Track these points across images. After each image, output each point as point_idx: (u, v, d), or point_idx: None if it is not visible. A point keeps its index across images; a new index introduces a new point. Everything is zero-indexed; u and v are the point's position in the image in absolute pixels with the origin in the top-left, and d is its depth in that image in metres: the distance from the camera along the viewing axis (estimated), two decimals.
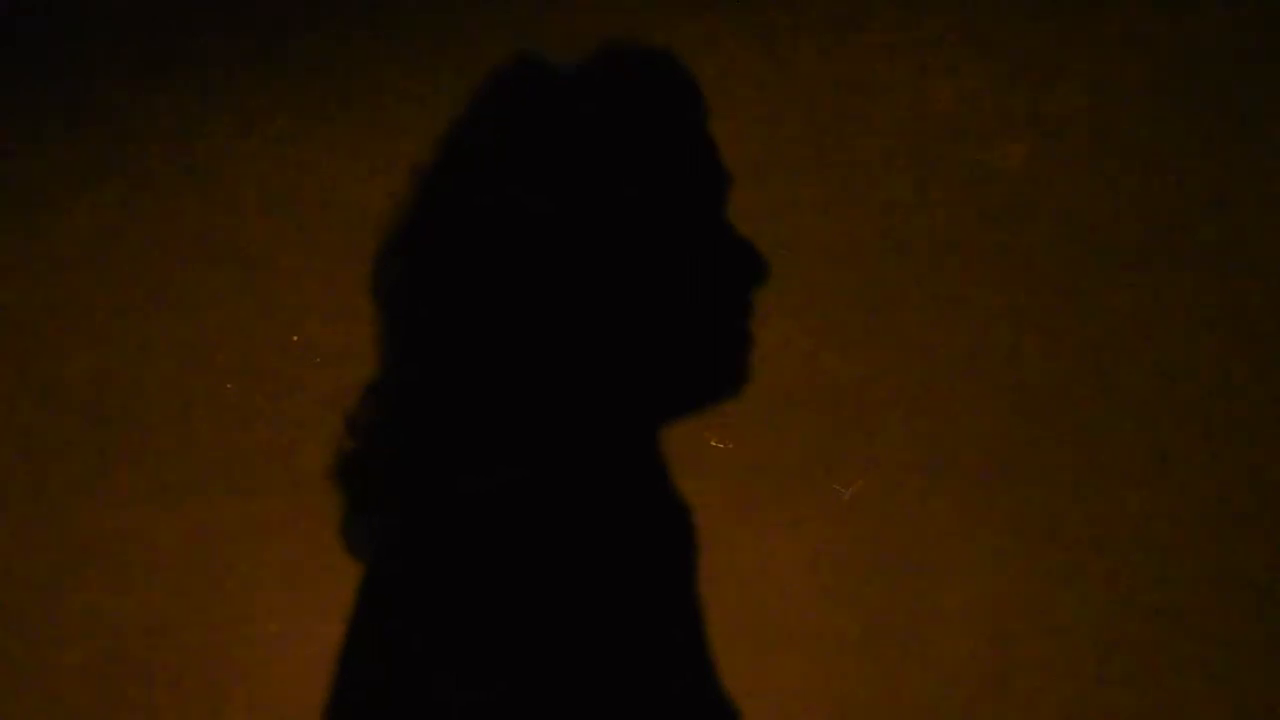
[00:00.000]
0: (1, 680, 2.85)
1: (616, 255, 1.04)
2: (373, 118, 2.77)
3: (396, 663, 0.95)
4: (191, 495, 2.78)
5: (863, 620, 2.35)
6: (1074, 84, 2.36)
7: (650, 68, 1.11)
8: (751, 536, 2.38)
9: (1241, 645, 2.18)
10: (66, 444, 2.90)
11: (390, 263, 1.09)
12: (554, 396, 1.02)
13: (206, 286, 2.85)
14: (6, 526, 2.90)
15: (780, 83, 2.51)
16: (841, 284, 2.43)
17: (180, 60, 2.93)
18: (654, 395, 1.07)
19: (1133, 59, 2.34)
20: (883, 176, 2.44)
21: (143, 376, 2.87)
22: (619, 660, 0.92)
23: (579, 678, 0.91)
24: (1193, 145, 2.29)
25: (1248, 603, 2.19)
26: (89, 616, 2.81)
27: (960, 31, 2.43)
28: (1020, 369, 2.34)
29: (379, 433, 1.06)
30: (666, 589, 0.99)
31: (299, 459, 2.62)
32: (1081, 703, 2.24)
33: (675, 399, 1.09)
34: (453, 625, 0.92)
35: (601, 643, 0.92)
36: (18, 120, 3.04)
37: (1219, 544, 2.21)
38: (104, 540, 2.82)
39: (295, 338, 2.77)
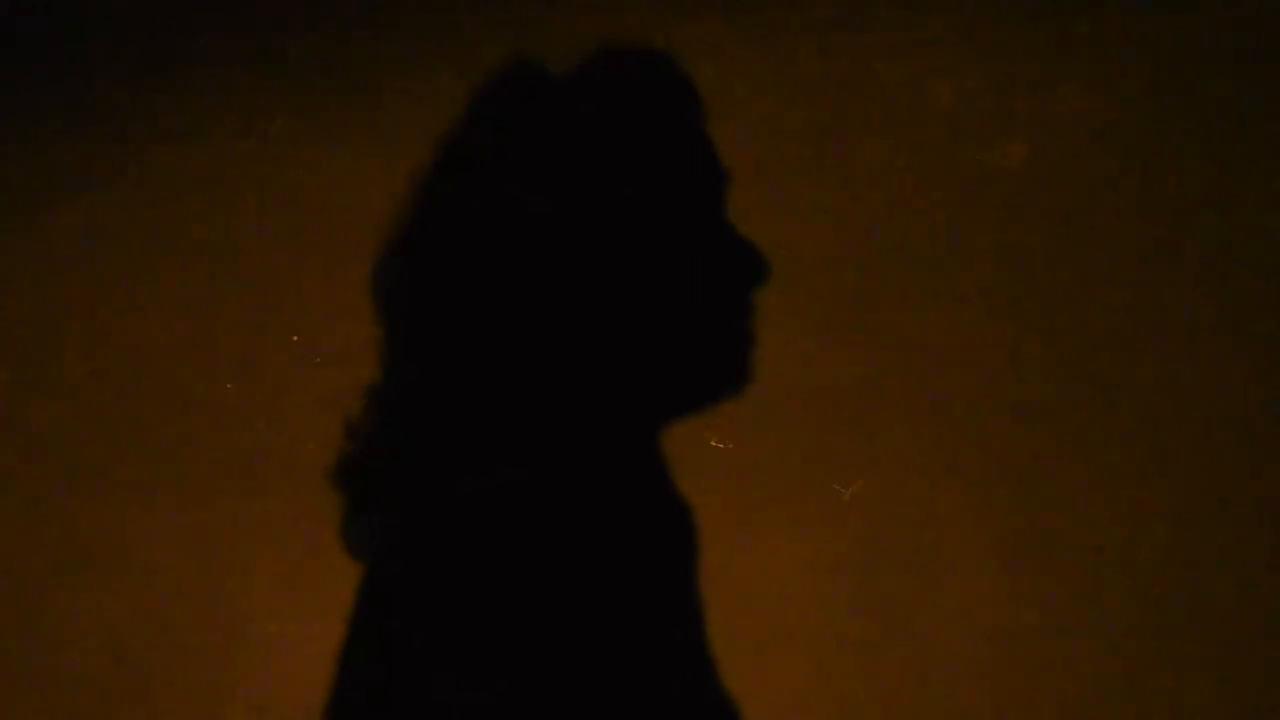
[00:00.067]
0: (1, 680, 2.85)
1: (616, 255, 1.04)
2: (373, 118, 2.77)
3: (396, 663, 0.95)
4: (191, 495, 2.78)
5: (863, 620, 2.35)
6: (1074, 84, 2.36)
7: (650, 68, 1.11)
8: (751, 536, 2.38)
9: (1242, 645, 2.18)
10: (66, 444, 2.90)
11: (390, 263, 1.09)
12: (554, 397, 1.02)
13: (206, 286, 2.85)
14: (6, 526, 2.90)
15: (780, 83, 2.51)
16: (841, 284, 2.43)
17: (180, 60, 2.93)
18: (654, 395, 1.07)
19: (1133, 59, 2.34)
20: (883, 176, 2.44)
21: (142, 376, 2.87)
22: (619, 660, 0.92)
23: (579, 678, 0.91)
24: (1193, 145, 2.30)
25: (1248, 602, 2.19)
26: (89, 616, 2.81)
27: (960, 31, 2.43)
28: (1020, 368, 2.34)
29: (379, 433, 1.06)
30: (667, 589, 0.99)
31: (299, 459, 2.61)
32: (1082, 702, 2.24)
33: (676, 399, 1.09)
34: (453, 625, 0.92)
35: (602, 643, 0.92)
36: (18, 120, 3.04)
37: (1219, 544, 2.21)
38: (104, 540, 2.82)
39: (295, 338, 2.77)
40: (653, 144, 1.08)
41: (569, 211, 1.03)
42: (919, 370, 2.38)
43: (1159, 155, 2.31)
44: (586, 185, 1.04)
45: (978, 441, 2.34)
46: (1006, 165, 2.38)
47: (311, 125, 2.83)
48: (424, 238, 1.08)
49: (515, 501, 0.95)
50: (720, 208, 1.12)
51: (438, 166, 1.10)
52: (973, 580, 2.31)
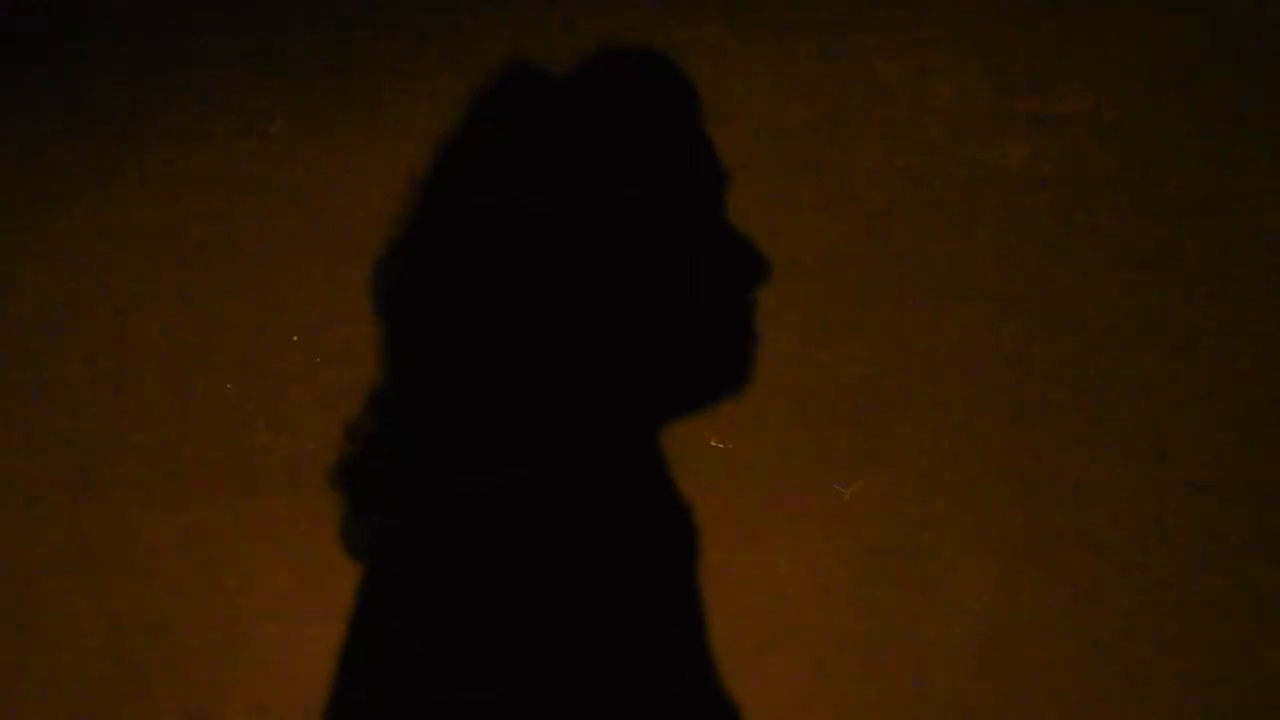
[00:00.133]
0: (1, 680, 2.85)
1: (616, 255, 1.04)
2: (373, 118, 2.77)
3: (396, 663, 0.95)
4: (191, 495, 2.78)
5: (863, 620, 2.35)
6: (1074, 84, 2.36)
7: (650, 68, 1.11)
8: (751, 536, 2.38)
9: (1242, 645, 2.18)
10: (66, 444, 2.90)
11: (390, 263, 1.09)
12: (554, 397, 1.02)
13: (206, 286, 2.85)
14: (6, 526, 2.90)
15: (780, 83, 2.51)
16: (841, 283, 2.43)
17: (180, 60, 2.93)
18: (655, 395, 1.07)
19: (1133, 59, 2.34)
20: (883, 176, 2.44)
21: (142, 376, 2.87)
22: (619, 660, 0.92)
23: (579, 678, 0.91)
24: (1193, 145, 2.29)
25: (1248, 602, 2.19)
26: (89, 616, 2.81)
27: (960, 31, 2.43)
28: (1020, 368, 2.34)
29: (379, 433, 1.06)
30: (667, 588, 0.99)
31: (299, 459, 2.62)
32: (1082, 702, 2.24)
33: (676, 399, 1.09)
34: (453, 625, 0.92)
35: (602, 643, 0.92)
36: (18, 120, 3.04)
37: (1219, 544, 2.21)
38: (104, 540, 2.82)
39: (295, 338, 2.77)
40: (653, 144, 1.08)
41: (569, 211, 1.03)
42: (919, 370, 2.38)
43: (1159, 155, 2.31)
44: (586, 185, 1.04)
45: (978, 441, 2.34)
46: (1006, 165, 2.38)
47: (311, 125, 2.83)
48: (424, 238, 1.08)
49: (515, 501, 0.95)
50: (720, 207, 1.12)
51: (438, 166, 1.10)
52: (973, 580, 2.31)
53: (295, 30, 2.86)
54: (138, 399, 2.86)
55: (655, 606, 0.96)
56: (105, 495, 2.84)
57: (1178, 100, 2.31)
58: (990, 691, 2.28)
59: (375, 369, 1.09)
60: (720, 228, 1.11)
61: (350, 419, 1.08)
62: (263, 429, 2.76)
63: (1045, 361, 2.33)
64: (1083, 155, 2.35)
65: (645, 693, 0.93)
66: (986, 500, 2.32)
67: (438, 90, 2.61)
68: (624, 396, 1.05)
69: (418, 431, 1.03)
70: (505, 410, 1.01)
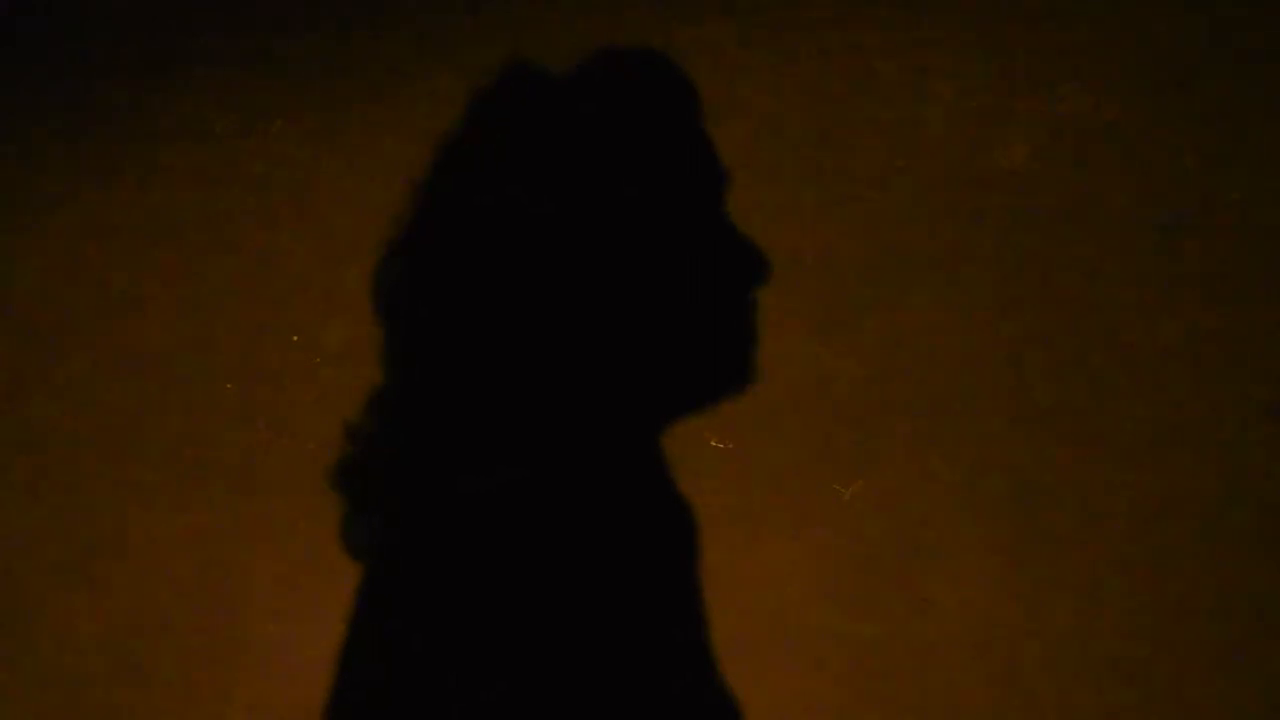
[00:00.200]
0: (2, 680, 2.85)
1: (617, 256, 1.04)
2: (373, 118, 2.77)
3: (396, 663, 0.95)
4: (191, 495, 2.78)
5: (863, 620, 2.35)
6: (1074, 84, 2.36)
7: (650, 68, 1.11)
8: (751, 536, 2.38)
9: (1241, 645, 2.18)
10: (66, 444, 2.90)
11: (390, 263, 1.10)
12: (554, 397, 1.02)
13: (207, 286, 2.85)
14: (6, 526, 2.90)
15: (780, 83, 2.51)
16: (841, 283, 2.43)
17: (180, 60, 2.93)
18: (655, 395, 1.07)
19: (1133, 59, 2.34)
20: (882, 176, 2.44)
21: (142, 376, 2.87)
22: (620, 660, 0.92)
23: (579, 677, 0.91)
24: (1193, 145, 2.30)
25: (1248, 603, 2.19)
26: (89, 616, 2.81)
27: (960, 31, 2.43)
28: (1020, 368, 2.34)
29: (379, 433, 1.06)
30: (667, 588, 0.99)
31: (299, 459, 2.62)
32: (1082, 702, 2.24)
33: (676, 399, 1.09)
34: (453, 625, 0.92)
35: (602, 642, 0.92)
36: (18, 120, 3.04)
37: (1219, 544, 2.21)
38: (104, 540, 2.82)
39: (295, 338, 2.77)
40: (653, 144, 1.08)
41: (569, 212, 1.03)
42: (919, 370, 2.38)
43: (1159, 155, 2.31)
44: (587, 185, 1.04)
45: (977, 441, 2.34)
46: (1006, 165, 2.38)
47: (311, 125, 2.83)
48: (424, 238, 1.08)
49: (515, 501, 0.95)
50: (720, 208, 1.12)
51: (438, 166, 1.10)
52: (973, 580, 2.31)
53: (295, 30, 2.86)
54: (137, 399, 2.86)
55: (655, 606, 0.96)
56: (105, 495, 2.84)
57: (1178, 100, 2.31)
58: (990, 691, 2.28)
59: (375, 369, 1.09)
60: (720, 228, 1.11)
61: (350, 419, 1.08)
62: (263, 429, 2.76)
63: (1045, 361, 2.33)
64: (1083, 155, 2.35)
65: (646, 692, 0.93)
66: (986, 500, 2.32)
67: (438, 90, 2.61)
68: (624, 396, 1.05)
69: (418, 431, 1.03)
70: (505, 410, 1.01)
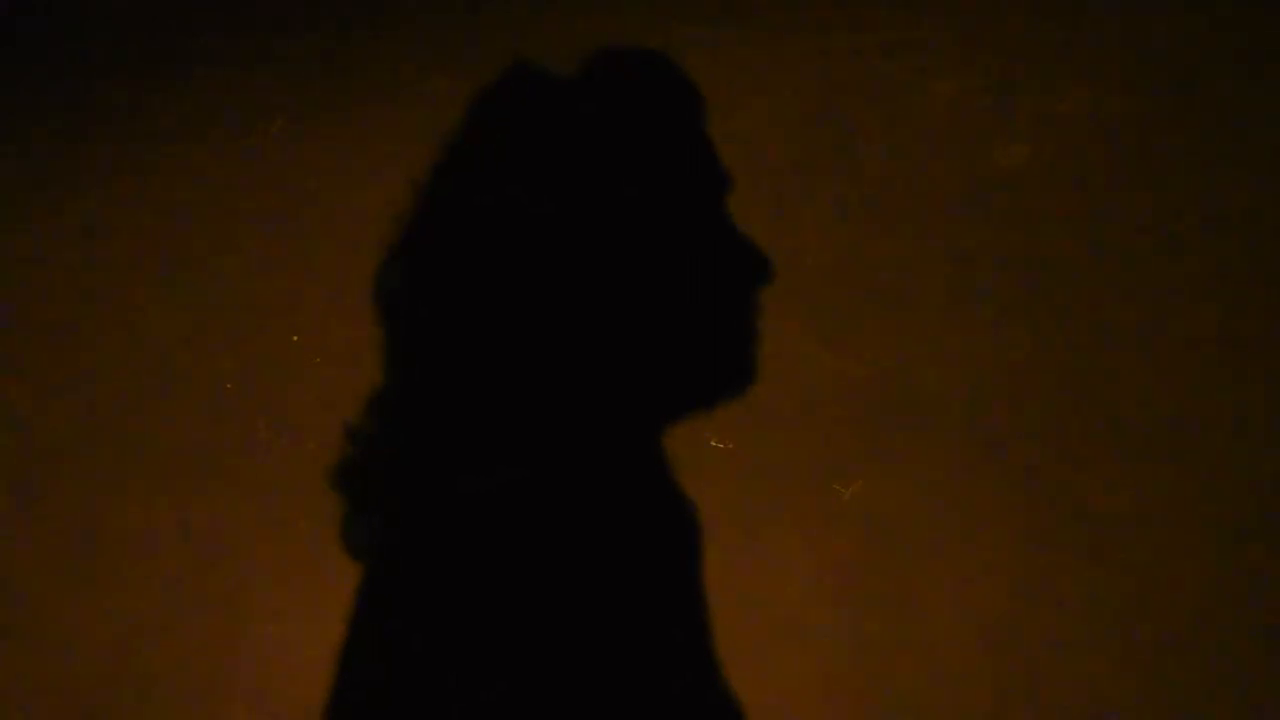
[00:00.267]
0: (2, 680, 2.85)
1: (617, 256, 1.04)
2: (373, 118, 2.77)
3: (396, 663, 0.95)
4: (191, 495, 2.78)
5: (863, 620, 2.35)
6: (1074, 84, 2.36)
7: (650, 68, 1.11)
8: (751, 536, 2.38)
9: (1241, 646, 2.18)
10: (67, 443, 2.90)
11: (391, 263, 1.10)
12: (554, 397, 1.02)
13: (207, 286, 2.85)
14: (7, 526, 2.90)
15: (780, 83, 2.51)
16: (841, 283, 2.43)
17: (180, 60, 2.93)
18: (656, 396, 1.07)
19: (1133, 59, 2.34)
20: (882, 177, 2.44)
21: (142, 376, 2.87)
22: (620, 660, 0.92)
23: (580, 677, 0.91)
24: (1193, 145, 2.30)
25: (1247, 604, 2.19)
26: (89, 616, 2.81)
27: (960, 31, 2.43)
28: (1020, 368, 2.34)
29: (379, 433, 1.06)
30: (668, 588, 0.99)
31: (299, 459, 2.62)
32: (1082, 702, 2.24)
33: (677, 399, 1.09)
34: (453, 625, 0.92)
35: (602, 642, 0.92)
36: (18, 120, 3.04)
37: (1219, 545, 2.21)
38: (104, 540, 2.82)
39: (295, 338, 2.77)
40: (653, 144, 1.08)
41: (569, 212, 1.03)
42: (919, 370, 2.38)
43: (1159, 155, 2.31)
44: (587, 186, 1.04)
45: (978, 440, 2.34)
46: (1007, 165, 2.38)
47: (311, 125, 2.83)
48: (424, 238, 1.08)
49: (515, 501, 0.95)
50: (720, 208, 1.12)
51: (438, 167, 1.10)
52: (973, 580, 2.31)
53: (295, 30, 2.86)
54: (137, 399, 2.86)
55: (656, 606, 0.96)
56: (105, 495, 2.84)
57: (1178, 100, 2.31)
58: (990, 691, 2.28)
59: (375, 369, 1.09)
60: (720, 228, 1.11)
61: (350, 419, 1.08)
62: (263, 429, 2.76)
63: (1045, 361, 2.33)
64: (1083, 155, 2.35)
65: (647, 693, 0.93)
66: (986, 500, 2.32)
67: (437, 90, 2.61)
68: (625, 397, 1.05)
69: (418, 431, 1.03)
70: (505, 410, 1.01)
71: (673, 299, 1.06)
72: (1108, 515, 2.26)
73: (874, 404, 2.40)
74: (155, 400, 2.85)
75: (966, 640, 2.30)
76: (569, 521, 0.94)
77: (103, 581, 2.81)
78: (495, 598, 0.92)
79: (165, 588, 2.77)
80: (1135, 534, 2.25)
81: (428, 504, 0.99)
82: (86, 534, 2.84)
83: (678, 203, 1.08)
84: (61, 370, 2.93)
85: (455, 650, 0.92)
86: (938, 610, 2.32)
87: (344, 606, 1.03)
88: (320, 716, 1.02)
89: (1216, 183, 2.28)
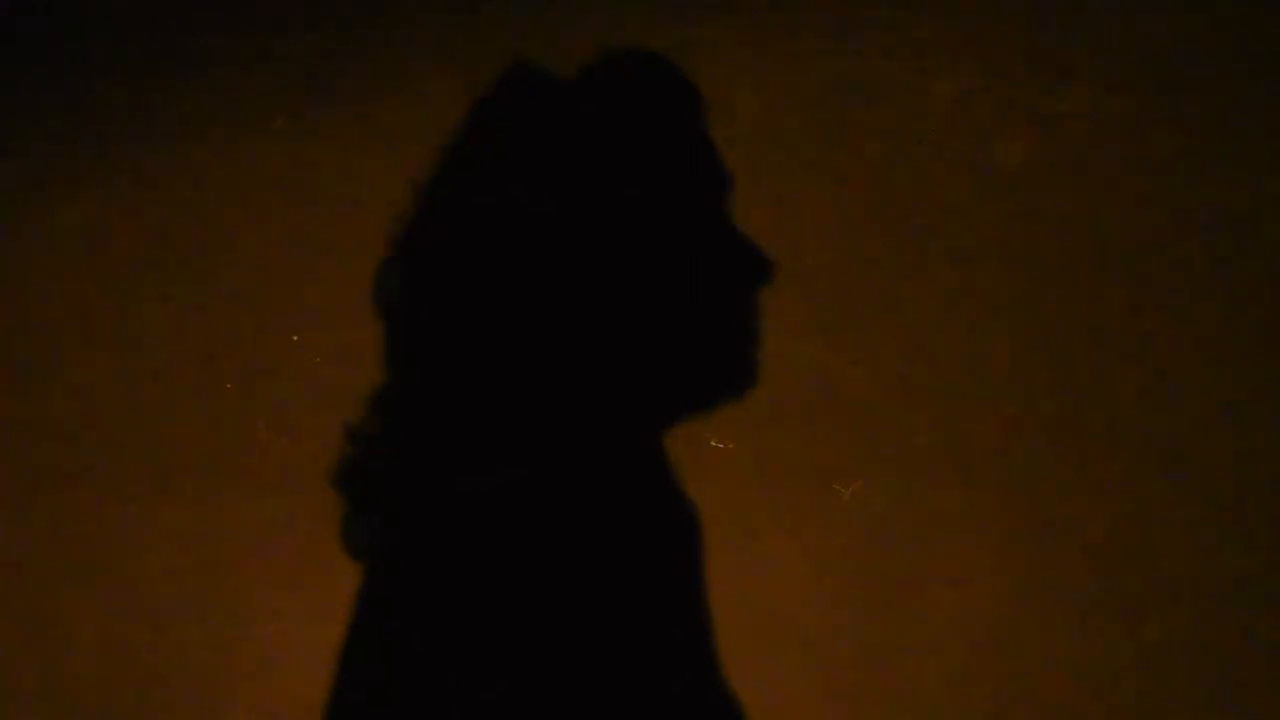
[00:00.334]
0: (2, 680, 2.85)
1: (618, 256, 1.04)
2: (373, 118, 2.77)
3: (396, 663, 0.95)
4: (191, 495, 2.78)
5: (863, 620, 2.35)
6: (1074, 84, 2.36)
7: (650, 68, 1.11)
8: (751, 536, 2.38)
9: (1240, 646, 2.18)
10: (66, 444, 2.89)
11: (391, 263, 1.10)
12: (554, 397, 1.02)
13: (206, 286, 2.85)
14: (6, 526, 2.90)
15: (780, 84, 2.51)
16: (841, 284, 2.43)
17: (180, 60, 2.93)
18: (656, 396, 1.07)
19: (1133, 59, 2.34)
20: (882, 177, 2.44)
21: (142, 376, 2.87)
22: (620, 659, 0.92)
23: (580, 677, 0.91)
24: (1192, 145, 2.29)
25: (1247, 604, 2.19)
26: (89, 617, 2.81)
27: (960, 31, 2.43)
28: (1019, 368, 2.34)
29: (379, 433, 1.06)
30: (669, 588, 0.99)
31: (299, 459, 2.62)
32: (1082, 702, 2.24)
33: (678, 400, 1.09)
34: (453, 625, 0.92)
35: (602, 642, 0.92)
36: (18, 120, 3.04)
37: (1219, 545, 2.21)
38: (104, 540, 2.82)
39: (295, 338, 2.77)
40: (653, 145, 1.08)
41: (570, 212, 1.03)
42: (919, 370, 2.38)
43: (1159, 155, 2.31)
44: (587, 186, 1.04)
45: (978, 440, 2.34)
46: (1006, 165, 2.38)
47: (311, 125, 2.83)
48: (424, 238, 1.08)
49: (515, 501, 0.95)
50: (721, 208, 1.12)
51: (438, 167, 1.10)
52: (972, 580, 2.31)
53: (295, 30, 2.86)
54: (137, 399, 2.86)
55: (657, 606, 0.96)
56: (105, 495, 2.84)
57: (1178, 100, 2.31)
58: (990, 692, 2.28)
59: (375, 369, 1.09)
60: (720, 228, 1.11)
61: (350, 419, 1.08)
62: (263, 429, 2.76)
63: (1045, 361, 2.33)
64: (1083, 155, 2.35)
65: (647, 693, 0.93)
66: (986, 500, 2.32)
67: (438, 90, 2.61)
68: (625, 397, 1.05)
69: (418, 431, 1.03)
70: (505, 410, 1.01)
71: (673, 299, 1.06)
72: (1108, 515, 2.26)
73: (874, 404, 2.40)
74: (155, 400, 2.85)
75: (966, 640, 2.30)
76: (569, 521, 0.94)
77: (103, 581, 2.81)
78: (495, 598, 0.92)
79: (165, 588, 2.77)
80: (1135, 534, 2.25)
81: (428, 504, 0.99)
82: (86, 534, 2.84)
83: (678, 203, 1.08)
84: (61, 370, 2.93)
85: (455, 650, 0.92)
86: (938, 610, 2.32)
87: (344, 606, 1.03)
88: (320, 716, 1.02)
89: (1216, 183, 2.28)
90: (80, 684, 2.79)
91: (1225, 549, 2.21)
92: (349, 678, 1.01)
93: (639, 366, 1.05)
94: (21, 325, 2.98)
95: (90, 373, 2.91)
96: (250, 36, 2.89)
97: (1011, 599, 2.29)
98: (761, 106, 2.50)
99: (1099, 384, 2.30)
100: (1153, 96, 2.32)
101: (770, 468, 2.42)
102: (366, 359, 1.10)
